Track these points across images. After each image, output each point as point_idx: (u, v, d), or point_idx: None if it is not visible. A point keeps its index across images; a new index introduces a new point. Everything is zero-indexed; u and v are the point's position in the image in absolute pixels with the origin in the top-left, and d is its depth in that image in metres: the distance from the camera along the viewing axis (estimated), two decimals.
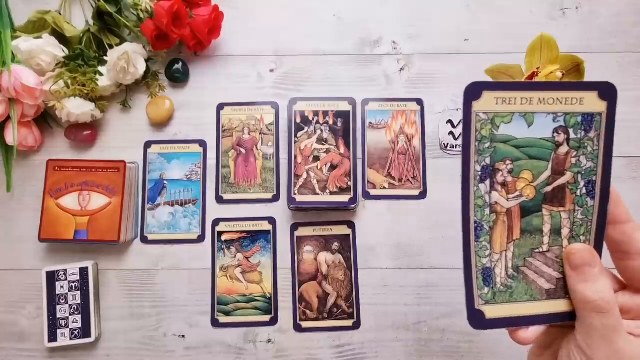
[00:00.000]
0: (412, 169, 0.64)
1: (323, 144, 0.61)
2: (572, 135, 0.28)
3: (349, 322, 0.61)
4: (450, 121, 0.65)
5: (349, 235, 0.63)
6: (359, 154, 0.64)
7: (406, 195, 0.63)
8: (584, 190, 0.29)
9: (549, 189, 0.29)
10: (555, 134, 0.28)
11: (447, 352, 0.61)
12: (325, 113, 0.62)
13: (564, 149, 0.28)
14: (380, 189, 0.64)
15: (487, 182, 0.28)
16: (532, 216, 0.29)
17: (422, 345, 0.61)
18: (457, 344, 0.61)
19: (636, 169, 0.63)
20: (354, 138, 0.61)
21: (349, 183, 0.60)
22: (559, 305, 0.29)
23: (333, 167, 0.61)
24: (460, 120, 0.64)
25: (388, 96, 0.66)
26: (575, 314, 0.28)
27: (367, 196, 0.64)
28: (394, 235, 0.63)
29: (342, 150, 0.61)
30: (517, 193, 0.29)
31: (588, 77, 0.52)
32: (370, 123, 0.65)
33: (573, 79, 0.52)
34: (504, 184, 0.28)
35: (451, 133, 0.64)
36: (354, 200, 0.60)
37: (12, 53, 0.60)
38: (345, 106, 0.62)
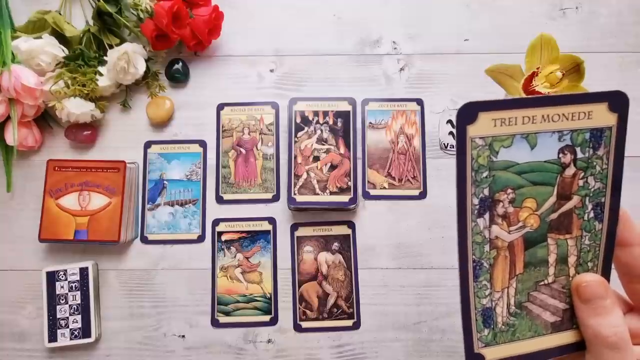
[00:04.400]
0: (412, 169, 0.64)
1: (323, 144, 0.61)
2: (580, 155, 0.26)
3: (349, 322, 0.61)
4: (450, 121, 0.65)
5: (349, 235, 0.63)
6: (359, 154, 0.64)
7: (406, 195, 0.63)
8: (591, 214, 0.26)
9: (554, 216, 0.26)
10: (561, 155, 0.25)
11: (447, 352, 0.61)
12: (325, 113, 0.62)
13: (570, 171, 0.26)
14: (380, 189, 0.64)
15: (486, 215, 0.25)
16: (537, 247, 0.26)
17: (422, 345, 0.61)
18: (457, 344, 0.61)
19: (636, 169, 0.63)
20: (354, 138, 0.61)
21: (349, 183, 0.60)
22: (566, 337, 0.27)
23: (333, 167, 0.61)
24: None
25: (388, 96, 0.65)
26: (583, 343, 0.26)
27: (367, 196, 0.64)
28: (394, 235, 0.63)
29: (342, 150, 0.61)
30: (520, 224, 0.26)
31: (588, 77, 0.52)
32: (370, 123, 0.65)
33: (573, 79, 0.52)
34: (504, 216, 0.26)
35: (451, 133, 0.64)
36: (354, 200, 0.60)
37: (12, 53, 0.60)
38: (345, 106, 0.62)
